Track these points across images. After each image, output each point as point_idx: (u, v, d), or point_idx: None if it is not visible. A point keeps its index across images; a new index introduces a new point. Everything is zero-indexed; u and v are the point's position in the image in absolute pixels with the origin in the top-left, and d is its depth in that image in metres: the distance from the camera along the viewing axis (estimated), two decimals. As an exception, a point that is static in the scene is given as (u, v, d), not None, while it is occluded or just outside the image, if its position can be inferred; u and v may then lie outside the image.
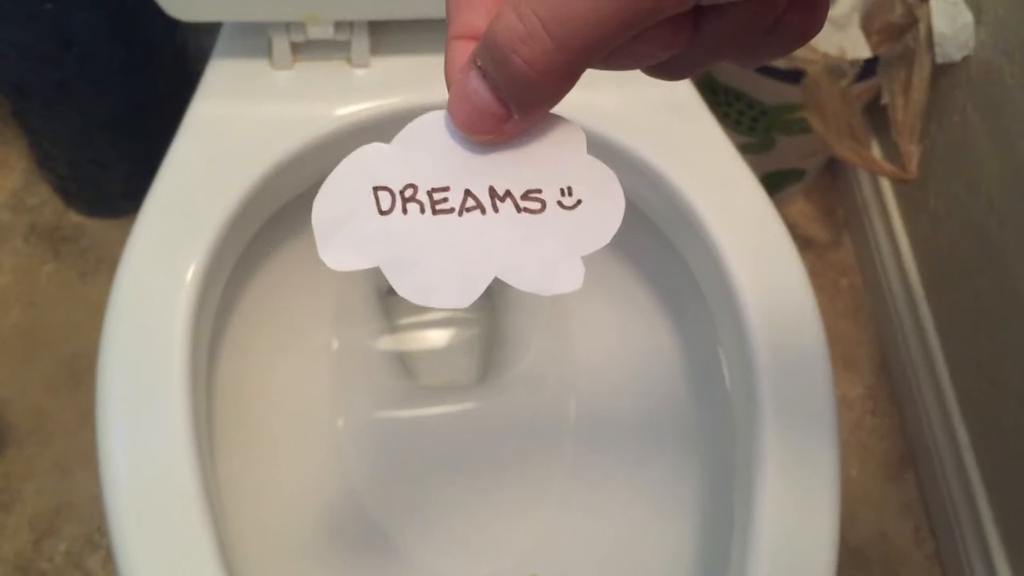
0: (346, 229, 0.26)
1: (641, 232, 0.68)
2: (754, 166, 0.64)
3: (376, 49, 0.63)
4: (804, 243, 1.11)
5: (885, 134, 0.95)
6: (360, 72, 0.64)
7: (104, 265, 1.01)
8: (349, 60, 0.63)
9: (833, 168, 1.15)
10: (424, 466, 0.75)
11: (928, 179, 0.95)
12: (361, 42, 0.62)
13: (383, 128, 0.63)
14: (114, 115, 0.93)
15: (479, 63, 0.25)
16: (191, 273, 0.55)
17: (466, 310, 0.84)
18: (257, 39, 0.63)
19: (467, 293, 0.26)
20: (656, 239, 0.66)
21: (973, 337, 0.89)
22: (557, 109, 0.26)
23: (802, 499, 0.52)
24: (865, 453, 1.00)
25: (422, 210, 0.26)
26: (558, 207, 0.26)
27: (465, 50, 0.26)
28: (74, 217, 1.04)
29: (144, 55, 0.90)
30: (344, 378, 0.76)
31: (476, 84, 0.25)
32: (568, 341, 0.76)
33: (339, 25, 0.61)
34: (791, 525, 0.51)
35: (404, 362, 0.80)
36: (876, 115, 0.94)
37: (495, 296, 0.81)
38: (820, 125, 0.86)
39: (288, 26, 0.61)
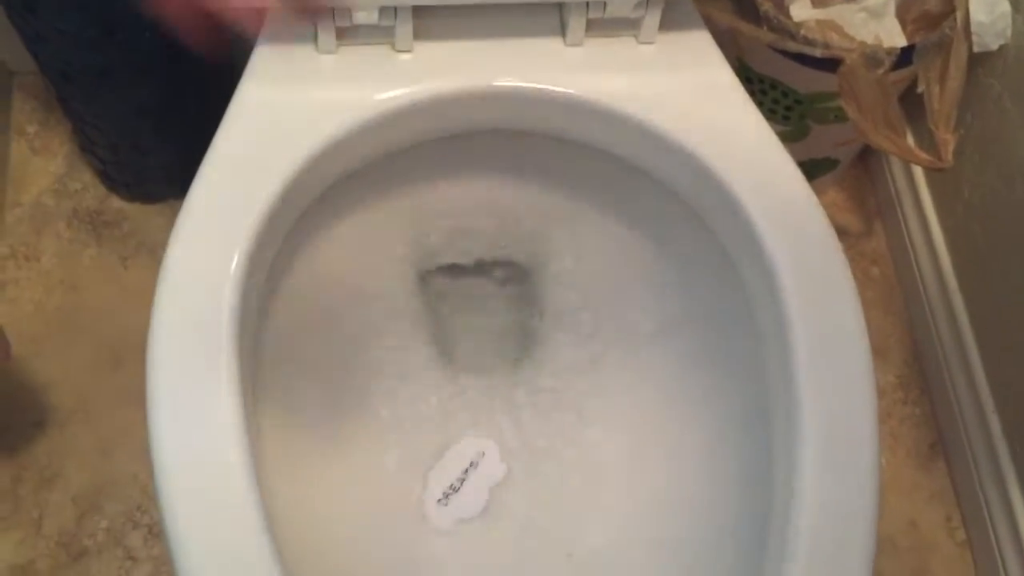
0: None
1: (679, 218, 0.68)
2: (792, 158, 0.64)
3: (419, 34, 0.64)
4: (836, 232, 1.11)
5: (920, 123, 0.95)
6: (403, 57, 0.64)
7: (144, 249, 1.03)
8: (393, 45, 0.64)
9: (865, 157, 1.15)
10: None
11: (963, 168, 0.95)
12: (405, 27, 0.63)
13: (426, 113, 0.64)
14: (155, 101, 0.94)
15: None
16: (237, 256, 0.56)
17: (504, 300, 0.84)
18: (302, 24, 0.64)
19: None
20: (694, 223, 0.66)
21: (1007, 326, 0.89)
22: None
23: (842, 485, 0.53)
24: (896, 441, 1.00)
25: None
26: None
27: None
28: (116, 202, 1.06)
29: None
30: (384, 363, 0.77)
31: None
32: (605, 322, 0.77)
33: (384, 10, 0.62)
34: (831, 502, 0.52)
35: (442, 346, 0.81)
36: (911, 103, 0.94)
37: (534, 282, 0.82)
38: (856, 113, 0.86)
39: (334, 11, 0.62)
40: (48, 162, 1.08)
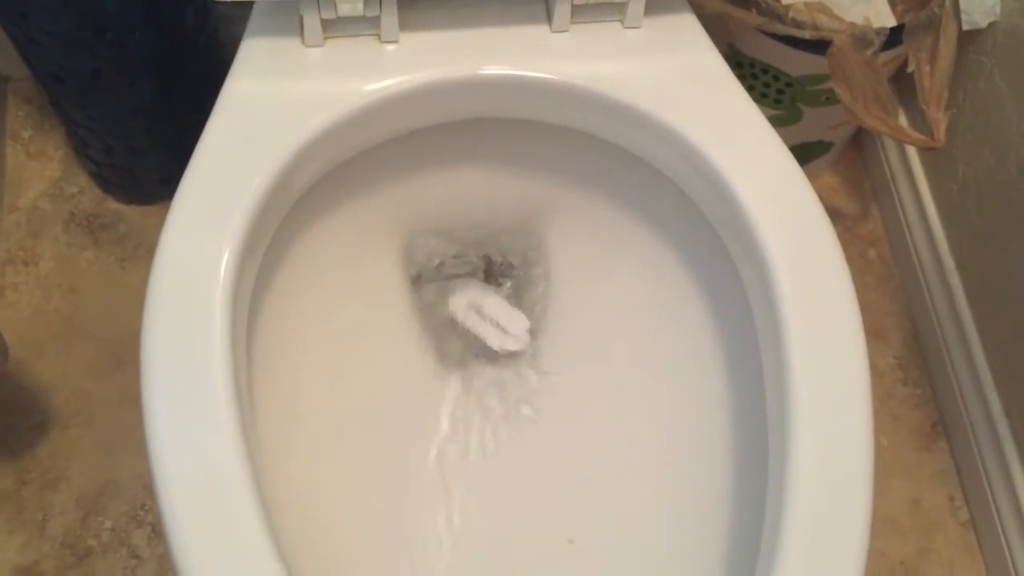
0: None
1: (670, 201, 0.68)
2: (781, 139, 0.64)
3: (405, 25, 0.64)
4: (831, 216, 1.10)
5: (912, 103, 0.95)
6: (389, 48, 0.65)
7: (142, 251, 1.03)
8: (379, 36, 0.65)
9: (860, 140, 1.15)
10: (455, 441, 0.77)
11: (956, 147, 0.95)
12: (390, 18, 0.63)
13: (413, 103, 0.64)
14: (148, 102, 0.94)
15: None
16: (228, 251, 0.56)
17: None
18: (288, 17, 0.64)
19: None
20: (685, 206, 0.66)
21: (1004, 304, 0.89)
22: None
23: (836, 460, 0.53)
24: (896, 423, 1.00)
25: None
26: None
27: None
28: (112, 204, 1.06)
29: (177, 42, 0.92)
30: (375, 357, 0.78)
31: None
32: (600, 307, 0.77)
33: (369, 1, 0.62)
34: (824, 478, 0.52)
35: (431, 341, 0.81)
36: (902, 84, 0.94)
37: (525, 269, 0.82)
38: (847, 95, 0.86)
39: (319, 3, 0.62)
40: (44, 166, 1.08)
